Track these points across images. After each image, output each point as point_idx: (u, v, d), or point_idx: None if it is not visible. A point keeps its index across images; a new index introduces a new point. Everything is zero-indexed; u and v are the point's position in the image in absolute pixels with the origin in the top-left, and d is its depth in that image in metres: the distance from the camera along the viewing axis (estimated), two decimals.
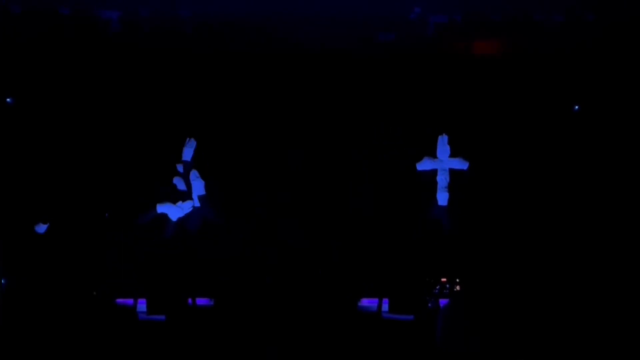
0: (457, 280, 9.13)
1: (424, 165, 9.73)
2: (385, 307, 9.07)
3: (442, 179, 9.65)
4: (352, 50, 9.90)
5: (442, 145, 9.71)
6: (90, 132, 9.73)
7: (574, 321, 8.28)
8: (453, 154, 9.69)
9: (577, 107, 9.84)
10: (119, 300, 9.09)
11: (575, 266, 9.17)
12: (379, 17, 9.90)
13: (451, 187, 9.65)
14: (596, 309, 8.51)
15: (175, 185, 9.75)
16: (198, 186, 9.72)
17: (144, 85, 9.85)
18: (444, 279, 9.12)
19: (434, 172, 9.74)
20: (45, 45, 9.71)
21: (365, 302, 9.12)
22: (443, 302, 8.84)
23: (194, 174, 9.73)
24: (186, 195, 9.73)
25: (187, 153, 9.77)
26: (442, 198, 9.62)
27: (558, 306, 8.52)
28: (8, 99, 9.74)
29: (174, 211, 9.64)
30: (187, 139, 9.80)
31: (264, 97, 9.92)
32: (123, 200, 9.63)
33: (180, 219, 9.66)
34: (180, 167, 9.78)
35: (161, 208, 9.65)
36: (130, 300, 9.14)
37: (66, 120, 9.73)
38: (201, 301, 9.16)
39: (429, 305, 8.97)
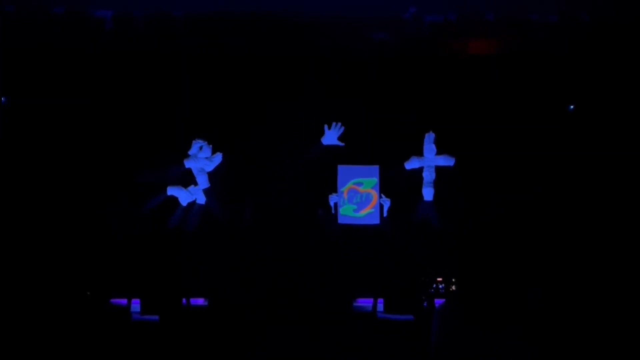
0: (452, 279, 9.13)
1: (412, 164, 9.78)
2: (380, 307, 9.06)
3: (428, 175, 9.70)
4: (346, 49, 9.91)
5: (429, 142, 9.75)
6: (83, 130, 9.72)
7: (568, 318, 8.28)
8: (441, 151, 9.74)
9: (571, 107, 9.87)
10: (113, 300, 9.04)
11: (566, 262, 9.20)
12: (373, 16, 9.90)
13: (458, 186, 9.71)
14: (590, 305, 8.52)
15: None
16: (203, 180, 9.77)
17: (137, 84, 9.85)
18: (439, 279, 9.12)
19: (422, 170, 9.82)
20: (38, 44, 9.70)
21: (360, 302, 9.10)
22: (438, 301, 8.84)
23: (196, 169, 9.75)
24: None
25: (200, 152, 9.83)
26: (428, 193, 9.68)
27: (547, 301, 8.54)
28: (3, 98, 9.73)
29: (183, 195, 9.69)
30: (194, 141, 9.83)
31: (257, 97, 9.92)
32: (119, 202, 9.62)
33: (175, 219, 9.65)
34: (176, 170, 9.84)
35: (171, 190, 9.68)
36: (124, 301, 9.09)
37: (60, 118, 9.72)
38: (195, 301, 9.13)
39: (424, 305, 8.95)
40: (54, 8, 9.67)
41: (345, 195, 9.69)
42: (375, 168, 9.70)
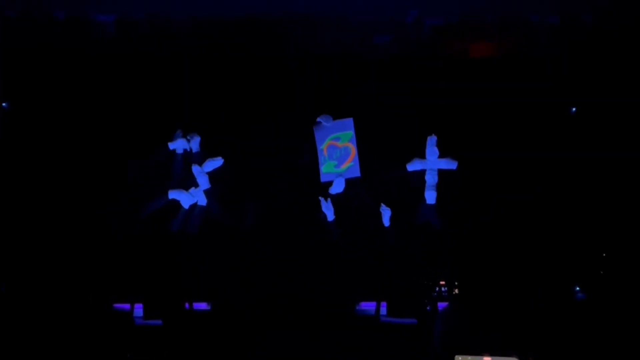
0: (455, 282, 9.16)
1: (414, 166, 9.79)
2: (383, 310, 9.10)
3: (430, 178, 9.71)
4: (348, 53, 9.91)
5: (431, 146, 9.75)
6: (85, 134, 9.71)
7: (565, 317, 8.33)
8: (443, 154, 9.74)
9: (573, 109, 9.89)
10: (116, 305, 9.07)
11: (567, 263, 9.25)
12: (375, 20, 9.90)
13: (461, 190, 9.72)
14: (591, 305, 8.57)
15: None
16: (203, 180, 9.77)
17: (139, 87, 9.85)
18: (442, 282, 9.15)
19: (425, 173, 9.83)
20: (40, 48, 9.69)
21: (363, 305, 9.13)
22: (441, 305, 8.88)
23: (196, 169, 9.76)
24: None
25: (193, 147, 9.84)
26: (430, 197, 9.69)
27: (547, 302, 8.59)
28: (4, 104, 9.72)
29: (185, 198, 9.70)
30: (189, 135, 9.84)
31: (257, 97, 9.92)
32: (120, 205, 9.62)
33: (177, 222, 9.66)
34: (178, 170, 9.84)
35: (173, 194, 9.68)
36: (127, 305, 9.11)
37: (62, 122, 9.72)
38: (198, 306, 9.14)
39: (427, 308, 8.99)
40: (54, 12, 9.66)
41: (325, 153, 9.72)
42: (350, 121, 9.72)
